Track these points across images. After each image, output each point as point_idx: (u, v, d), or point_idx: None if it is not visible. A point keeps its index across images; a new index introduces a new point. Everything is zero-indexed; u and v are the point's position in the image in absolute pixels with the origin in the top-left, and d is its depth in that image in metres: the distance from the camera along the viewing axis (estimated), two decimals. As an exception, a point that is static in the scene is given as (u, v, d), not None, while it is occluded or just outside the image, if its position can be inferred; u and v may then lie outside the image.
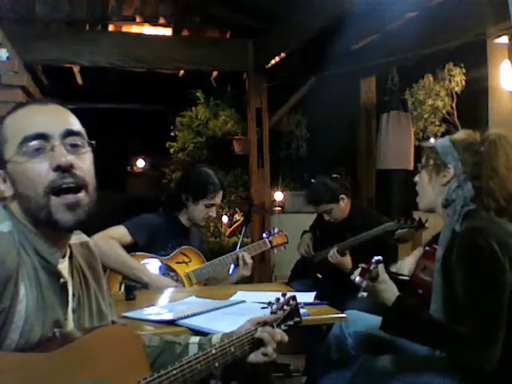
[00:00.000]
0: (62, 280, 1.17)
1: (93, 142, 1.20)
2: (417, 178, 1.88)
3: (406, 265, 2.08)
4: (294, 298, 1.47)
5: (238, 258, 2.65)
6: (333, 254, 2.99)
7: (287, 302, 1.45)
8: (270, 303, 1.45)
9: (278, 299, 1.46)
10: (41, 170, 1.11)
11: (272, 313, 1.43)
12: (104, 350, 1.11)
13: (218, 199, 2.68)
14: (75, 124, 1.18)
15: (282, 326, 1.40)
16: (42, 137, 1.12)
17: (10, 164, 1.12)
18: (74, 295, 1.21)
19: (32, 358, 1.02)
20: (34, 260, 1.12)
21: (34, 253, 1.12)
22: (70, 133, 1.15)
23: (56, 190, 1.11)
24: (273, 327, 1.37)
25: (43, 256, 1.13)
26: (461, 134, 1.81)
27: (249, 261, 2.65)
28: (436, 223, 2.08)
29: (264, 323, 1.37)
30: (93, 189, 1.17)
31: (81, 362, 1.06)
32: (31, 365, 1.00)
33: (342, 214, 3.12)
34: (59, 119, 1.16)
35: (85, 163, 1.16)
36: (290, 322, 1.42)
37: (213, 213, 2.68)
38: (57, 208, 1.11)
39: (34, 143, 1.11)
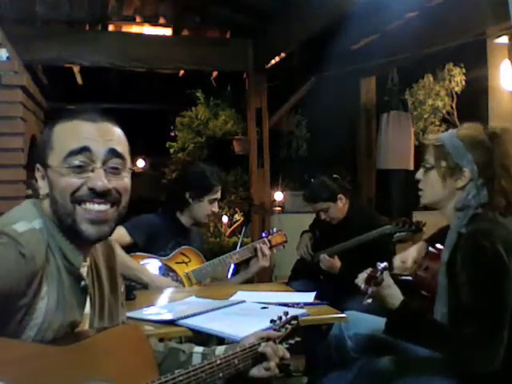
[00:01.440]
0: (83, 283, 1.19)
1: (133, 168, 1.24)
2: (420, 176, 1.82)
3: (410, 255, 2.05)
4: (295, 317, 1.51)
5: (256, 250, 2.66)
6: (323, 258, 3.00)
7: (289, 321, 1.48)
8: (272, 320, 1.47)
9: (280, 317, 1.48)
10: (75, 184, 1.13)
11: (275, 330, 1.45)
12: (115, 349, 1.13)
13: (219, 193, 2.71)
14: (120, 145, 1.20)
15: (284, 344, 1.42)
16: (86, 150, 1.14)
17: (52, 171, 1.15)
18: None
19: (46, 350, 1.03)
20: (59, 260, 1.14)
21: (60, 253, 1.14)
22: (113, 153, 1.17)
23: (80, 201, 1.14)
24: (275, 343, 1.39)
25: (68, 257, 1.15)
26: (468, 131, 1.75)
27: (267, 252, 2.66)
28: (435, 223, 2.08)
29: (267, 339, 1.39)
30: (124, 206, 1.20)
31: (92, 360, 1.08)
32: (45, 356, 1.02)
33: (339, 214, 3.11)
34: (105, 138, 1.17)
35: (122, 183, 1.19)
36: (291, 341, 1.46)
37: (215, 208, 2.70)
38: (81, 219, 1.14)
39: (78, 158, 1.14)
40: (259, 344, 1.36)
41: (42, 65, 4.89)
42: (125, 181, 1.20)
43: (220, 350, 1.39)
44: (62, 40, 4.31)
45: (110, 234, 1.20)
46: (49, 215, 1.16)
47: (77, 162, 1.13)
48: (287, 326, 1.47)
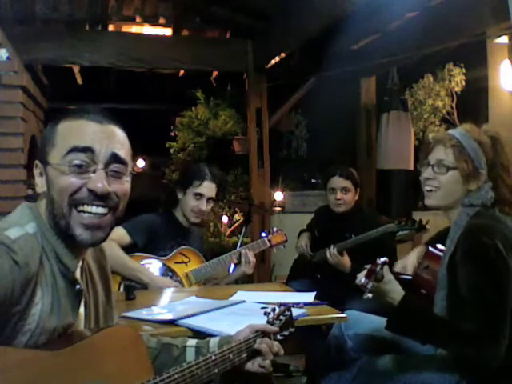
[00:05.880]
0: (78, 287, 1.17)
1: (134, 168, 1.23)
2: (429, 175, 1.78)
3: (410, 262, 2.06)
4: (289, 308, 1.51)
5: (240, 255, 2.66)
6: (332, 253, 2.98)
7: (283, 313, 1.48)
8: (266, 313, 1.47)
9: (274, 309, 1.48)
10: (75, 185, 1.12)
11: (269, 322, 1.45)
12: (109, 350, 1.12)
13: (206, 190, 2.65)
14: (123, 150, 1.18)
15: (278, 336, 1.43)
16: (89, 150, 1.12)
17: (51, 168, 1.13)
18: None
19: (40, 356, 1.02)
20: (53, 264, 1.12)
21: (54, 257, 1.12)
22: (115, 157, 1.15)
23: (78, 203, 1.12)
24: (270, 338, 1.39)
25: (63, 261, 1.13)
26: (478, 134, 1.75)
27: (252, 259, 2.65)
28: (437, 223, 2.08)
29: (263, 333, 1.39)
30: (121, 210, 1.19)
31: (87, 362, 1.07)
32: (39, 362, 1.01)
33: (349, 203, 3.14)
34: (110, 141, 1.16)
35: (123, 187, 1.18)
36: (286, 332, 1.46)
37: (202, 206, 2.64)
38: (75, 223, 1.12)
39: (79, 157, 1.12)
40: (254, 339, 1.36)
41: (42, 65, 4.88)
42: (125, 185, 1.18)
43: (214, 341, 1.39)
44: (62, 40, 4.30)
45: (105, 239, 1.17)
46: (44, 217, 1.14)
47: (78, 161, 1.11)
48: (281, 317, 1.47)
